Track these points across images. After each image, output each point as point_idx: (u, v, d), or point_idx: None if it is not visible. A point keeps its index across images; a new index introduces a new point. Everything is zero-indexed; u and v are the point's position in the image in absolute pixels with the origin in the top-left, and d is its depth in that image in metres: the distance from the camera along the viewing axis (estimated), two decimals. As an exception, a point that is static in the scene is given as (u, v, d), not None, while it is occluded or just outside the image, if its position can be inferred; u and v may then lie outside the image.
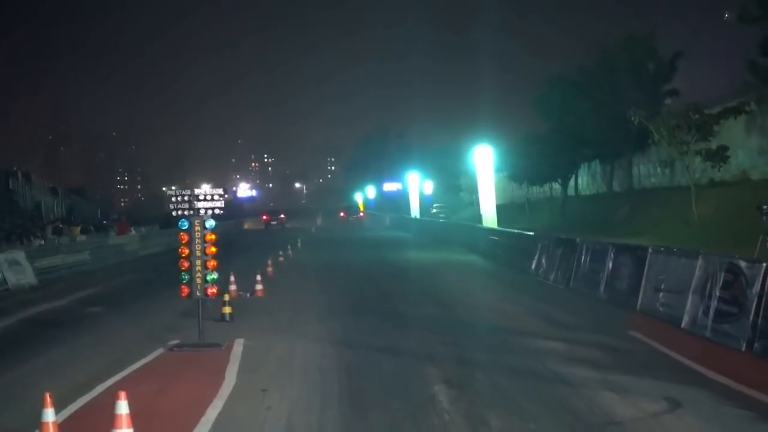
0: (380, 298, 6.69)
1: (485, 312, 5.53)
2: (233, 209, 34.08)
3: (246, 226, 32.72)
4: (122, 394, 2.42)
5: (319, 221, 32.95)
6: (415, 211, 27.06)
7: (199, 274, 5.20)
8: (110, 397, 2.43)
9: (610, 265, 6.01)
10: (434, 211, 28.84)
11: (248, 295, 6.53)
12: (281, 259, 10.24)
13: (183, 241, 5.18)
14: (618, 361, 3.83)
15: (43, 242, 11.59)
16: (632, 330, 4.57)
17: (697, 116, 11.40)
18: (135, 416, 2.55)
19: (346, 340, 4.55)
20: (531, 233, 10.68)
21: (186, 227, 5.28)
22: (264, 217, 32.90)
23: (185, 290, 5.26)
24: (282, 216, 33.38)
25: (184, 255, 5.21)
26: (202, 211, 5.28)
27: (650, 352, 4.06)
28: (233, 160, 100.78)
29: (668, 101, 16.24)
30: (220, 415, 2.97)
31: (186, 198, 5.35)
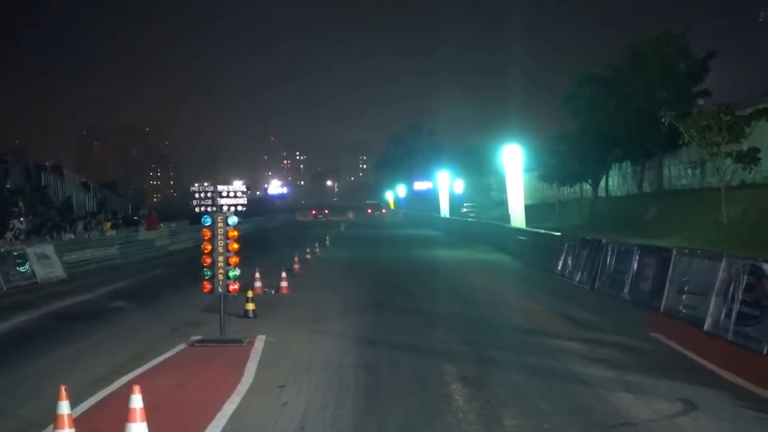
0: (404, 296, 6.70)
1: (508, 311, 5.49)
2: (264, 206, 37.42)
3: (298, 218, 41.88)
4: (136, 388, 2.46)
5: (351, 216, 37.16)
6: (444, 210, 26.99)
7: (221, 271, 5.28)
8: (128, 391, 2.47)
9: (635, 266, 5.92)
10: (464, 210, 28.74)
11: (273, 291, 6.61)
12: (308, 256, 10.32)
13: (205, 238, 5.26)
14: (637, 362, 3.78)
15: (72, 236, 11.87)
16: (654, 332, 4.51)
17: (728, 117, 11.14)
18: (151, 410, 2.61)
19: (367, 336, 4.57)
20: (557, 233, 10.57)
21: (209, 224, 5.36)
22: (312, 212, 44.27)
23: (207, 286, 5.34)
24: (326, 211, 44.91)
25: (206, 251, 5.29)
26: (225, 208, 5.35)
27: (670, 353, 4.01)
28: (265, 157, 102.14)
29: (701, 102, 15.86)
30: (236, 410, 3.02)
31: (209, 194, 5.43)
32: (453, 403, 3.10)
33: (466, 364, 3.80)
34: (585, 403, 3.05)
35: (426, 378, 3.51)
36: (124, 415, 2.47)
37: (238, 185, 6.43)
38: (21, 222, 11.05)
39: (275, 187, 56.57)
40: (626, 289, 6.01)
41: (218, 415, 2.94)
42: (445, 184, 27.81)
